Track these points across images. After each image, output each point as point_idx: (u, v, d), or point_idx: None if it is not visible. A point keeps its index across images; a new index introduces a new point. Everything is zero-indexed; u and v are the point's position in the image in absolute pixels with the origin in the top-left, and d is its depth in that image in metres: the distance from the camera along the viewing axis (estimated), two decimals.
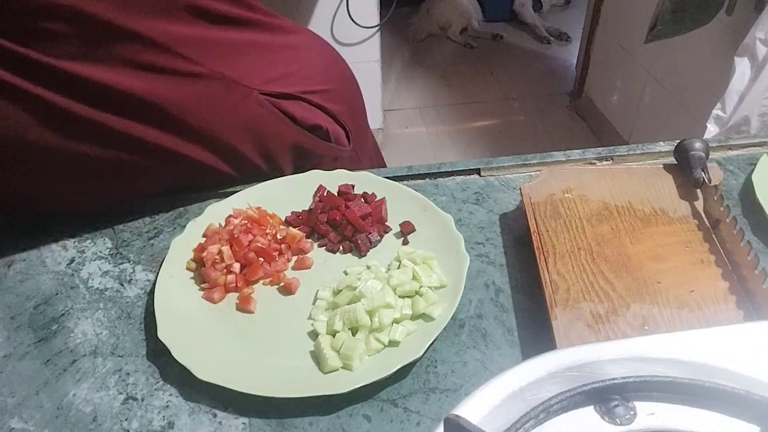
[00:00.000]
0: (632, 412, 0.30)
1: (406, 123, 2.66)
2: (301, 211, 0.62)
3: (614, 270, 0.51)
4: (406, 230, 0.59)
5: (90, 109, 0.55)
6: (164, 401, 0.47)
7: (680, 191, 0.59)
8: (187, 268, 0.57)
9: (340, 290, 0.53)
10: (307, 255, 0.58)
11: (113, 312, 0.55)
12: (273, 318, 0.53)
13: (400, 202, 0.61)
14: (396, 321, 0.50)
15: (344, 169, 0.66)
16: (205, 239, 0.58)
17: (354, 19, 2.00)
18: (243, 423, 0.46)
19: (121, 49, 0.54)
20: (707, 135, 1.39)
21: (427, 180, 0.68)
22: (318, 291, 0.54)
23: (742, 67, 1.33)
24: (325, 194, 0.62)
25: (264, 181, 0.65)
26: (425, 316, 0.50)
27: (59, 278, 0.58)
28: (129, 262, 0.60)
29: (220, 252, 0.55)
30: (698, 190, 0.58)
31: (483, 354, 0.49)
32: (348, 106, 0.75)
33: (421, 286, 0.52)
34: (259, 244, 0.56)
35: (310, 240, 0.60)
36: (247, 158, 0.66)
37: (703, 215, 0.56)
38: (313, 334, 0.50)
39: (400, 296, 0.51)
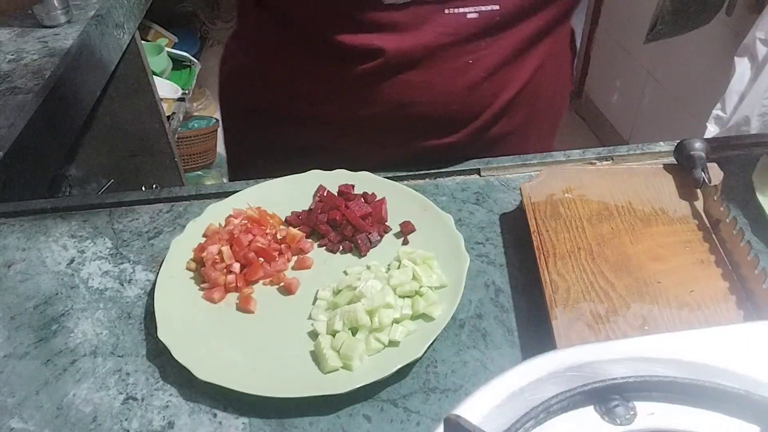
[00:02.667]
0: (632, 412, 0.30)
1: None
2: (301, 211, 0.62)
3: (614, 270, 0.51)
4: (406, 230, 0.59)
5: None
6: (164, 401, 0.47)
7: (680, 191, 0.59)
8: (187, 268, 0.57)
9: (340, 290, 0.53)
10: (307, 255, 0.58)
11: (113, 312, 0.55)
12: (273, 318, 0.53)
13: (400, 202, 0.61)
14: (396, 321, 0.50)
15: None
16: (205, 239, 0.58)
17: None
18: (243, 423, 0.46)
19: None
20: (707, 135, 1.39)
21: (427, 180, 0.68)
22: (318, 291, 0.54)
23: (742, 67, 1.33)
24: (325, 194, 0.62)
25: None
26: (425, 316, 0.50)
27: (59, 278, 0.58)
28: (129, 262, 0.60)
29: (220, 252, 0.55)
30: (698, 190, 0.58)
31: (483, 354, 0.49)
32: None
33: (421, 286, 0.52)
34: (259, 244, 0.56)
35: (310, 240, 0.60)
36: None
37: (703, 215, 0.56)
38: (313, 334, 0.50)
39: (400, 296, 0.51)
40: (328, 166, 0.65)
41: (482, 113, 0.69)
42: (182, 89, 2.04)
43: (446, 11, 0.61)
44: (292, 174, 0.65)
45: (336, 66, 0.66)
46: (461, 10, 0.61)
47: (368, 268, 0.55)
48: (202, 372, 0.46)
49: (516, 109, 0.71)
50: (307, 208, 0.62)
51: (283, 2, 0.67)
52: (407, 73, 0.64)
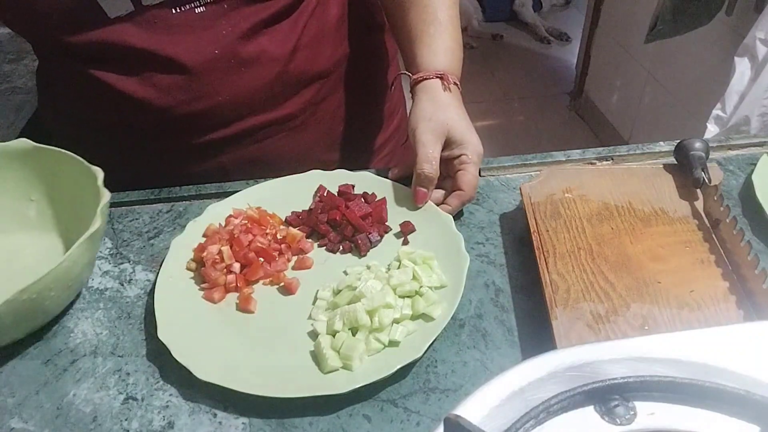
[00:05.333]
0: (632, 412, 0.30)
1: None
2: (301, 211, 0.62)
3: (614, 270, 0.51)
4: (406, 230, 0.59)
5: None
6: (164, 401, 0.47)
7: (680, 191, 0.59)
8: (187, 268, 0.57)
9: (340, 290, 0.53)
10: (307, 255, 0.58)
11: (113, 312, 0.55)
12: (273, 318, 0.53)
13: (400, 202, 0.61)
14: (396, 321, 0.50)
15: None
16: (205, 239, 0.58)
17: None
18: (243, 423, 0.46)
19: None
20: (707, 135, 1.39)
21: None
22: (318, 291, 0.54)
23: (742, 67, 1.32)
24: (325, 194, 0.62)
25: None
26: (425, 316, 0.50)
27: None
28: (129, 262, 0.60)
29: (220, 252, 0.55)
30: (698, 190, 0.58)
31: (483, 354, 0.49)
32: None
33: (421, 286, 0.52)
34: (259, 244, 0.56)
35: (310, 240, 0.60)
36: None
37: (703, 215, 0.56)
38: (313, 334, 0.50)
39: (400, 296, 0.51)
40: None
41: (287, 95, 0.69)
42: None
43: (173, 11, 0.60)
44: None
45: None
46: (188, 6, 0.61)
47: (368, 268, 0.55)
48: (202, 372, 0.46)
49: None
50: (307, 208, 0.62)
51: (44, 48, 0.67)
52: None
